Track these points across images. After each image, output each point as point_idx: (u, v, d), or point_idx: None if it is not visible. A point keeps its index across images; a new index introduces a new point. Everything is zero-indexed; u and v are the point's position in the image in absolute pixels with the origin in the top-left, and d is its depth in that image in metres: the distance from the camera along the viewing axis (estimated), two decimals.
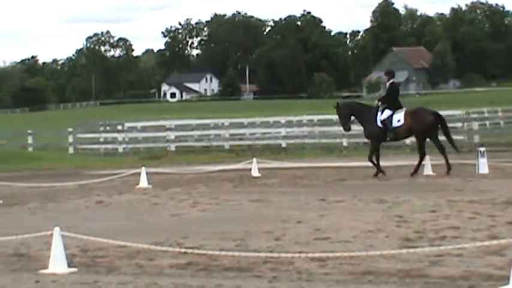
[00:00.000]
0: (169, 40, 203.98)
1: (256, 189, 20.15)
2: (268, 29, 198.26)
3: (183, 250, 10.81)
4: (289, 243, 11.84)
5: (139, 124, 51.27)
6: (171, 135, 42.56)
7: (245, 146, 40.16)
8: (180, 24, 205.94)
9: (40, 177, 26.54)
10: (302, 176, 22.94)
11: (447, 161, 22.05)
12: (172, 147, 40.79)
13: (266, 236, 12.54)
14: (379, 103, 22.39)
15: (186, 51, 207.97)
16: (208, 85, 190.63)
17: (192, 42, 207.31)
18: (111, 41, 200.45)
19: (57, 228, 10.29)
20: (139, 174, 22.06)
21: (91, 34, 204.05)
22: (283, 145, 39.16)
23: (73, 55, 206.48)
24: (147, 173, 22.05)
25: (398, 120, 22.00)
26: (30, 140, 43.16)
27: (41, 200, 19.08)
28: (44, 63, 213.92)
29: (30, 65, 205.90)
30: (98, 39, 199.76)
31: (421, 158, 22.20)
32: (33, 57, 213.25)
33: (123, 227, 14.06)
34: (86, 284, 9.46)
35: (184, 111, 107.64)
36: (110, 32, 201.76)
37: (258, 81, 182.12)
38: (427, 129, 22.18)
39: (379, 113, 22.11)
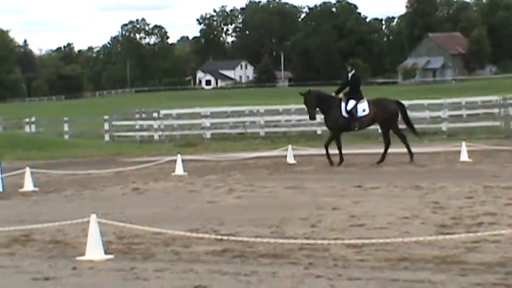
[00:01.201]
0: (205, 27, 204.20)
1: (292, 176, 20.14)
2: (303, 15, 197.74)
3: (218, 237, 10.83)
4: (325, 230, 11.82)
5: (174, 111, 51.40)
6: (207, 122, 42.63)
7: (280, 133, 40.13)
8: (215, 11, 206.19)
9: (76, 164, 26.72)
10: (337, 162, 22.87)
11: (409, 150, 22.36)
12: (208, 134, 40.86)
13: (301, 222, 12.53)
14: (337, 95, 22.52)
15: (221, 39, 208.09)
16: (243, 72, 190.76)
17: (227, 30, 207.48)
18: (147, 28, 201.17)
19: (93, 215, 10.34)
20: (174, 161, 22.13)
21: (126, 22, 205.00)
22: (319, 132, 39.04)
23: (108, 43, 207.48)
24: (182, 160, 22.12)
25: (364, 110, 22.28)
26: (66, 127, 43.47)
27: (77, 187, 19.20)
28: (79, 51, 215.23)
29: (66, 53, 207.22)
30: (133, 27, 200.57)
31: (387, 146, 22.42)
32: (68, 45, 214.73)
33: (159, 214, 14.12)
34: (122, 270, 9.51)
35: (219, 98, 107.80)
36: (145, 20, 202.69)
37: (292, 68, 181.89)
38: (392, 118, 22.62)
39: (343, 104, 22.25)
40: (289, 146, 24.74)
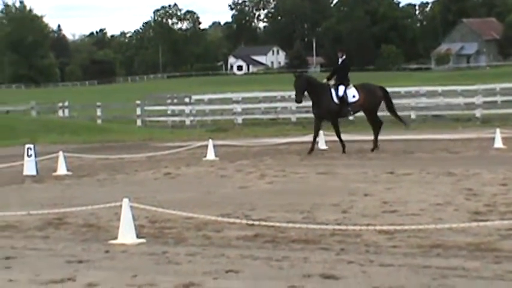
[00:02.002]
0: (237, 13, 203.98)
1: (323, 161, 20.09)
2: (335, 1, 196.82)
3: (250, 222, 10.83)
4: (357, 216, 11.78)
5: (206, 97, 51.45)
6: (238, 107, 42.63)
7: (312, 119, 39.89)
8: None
9: (109, 149, 26.84)
10: (370, 148, 22.78)
11: (376, 138, 22.21)
12: (239, 119, 40.87)
13: (333, 208, 12.50)
14: (329, 81, 22.20)
15: (253, 24, 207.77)
16: (275, 58, 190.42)
17: (259, 15, 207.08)
18: (179, 13, 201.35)
19: (126, 200, 10.38)
20: (206, 146, 22.16)
21: (158, 7, 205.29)
22: (351, 118, 38.90)
23: (140, 28, 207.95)
24: (214, 146, 22.15)
25: (354, 96, 22.03)
26: (99, 112, 43.71)
27: (109, 172, 19.29)
28: (112, 36, 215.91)
29: (98, 38, 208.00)
30: (166, 12, 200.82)
31: (378, 131, 22.37)
32: (101, 30, 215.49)
33: (191, 199, 14.15)
34: (154, 254, 9.54)
35: (251, 83, 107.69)
36: (178, 5, 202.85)
37: (324, 54, 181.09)
38: (378, 104, 22.62)
39: (332, 90, 21.96)
40: (321, 132, 24.64)
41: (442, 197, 13.27)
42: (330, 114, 22.13)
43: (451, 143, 23.93)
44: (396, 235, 10.04)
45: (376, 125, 22.48)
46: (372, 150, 21.99)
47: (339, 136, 22.19)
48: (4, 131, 33.29)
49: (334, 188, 14.99)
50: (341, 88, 21.97)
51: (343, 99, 21.92)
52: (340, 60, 22.61)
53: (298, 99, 22.58)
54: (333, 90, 21.99)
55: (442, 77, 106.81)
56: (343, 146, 22.04)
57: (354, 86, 22.25)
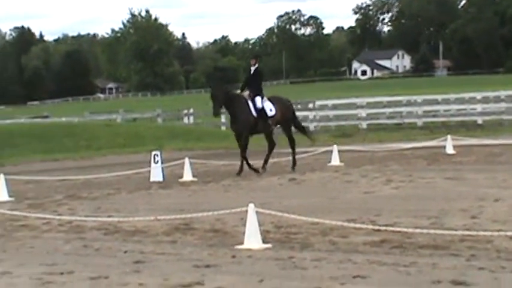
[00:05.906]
0: (360, 17, 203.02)
1: (451, 166, 19.72)
2: (463, 2, 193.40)
3: (376, 227, 10.70)
4: (487, 221, 11.49)
5: (330, 102, 51.33)
6: (362, 112, 42.37)
7: (439, 123, 39.38)
8: (371, 0, 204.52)
9: (233, 155, 27.01)
10: (500, 153, 22.24)
11: (294, 157, 21.01)
12: (364, 124, 40.60)
13: (462, 214, 12.23)
14: (242, 92, 20.48)
15: (377, 28, 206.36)
16: (400, 62, 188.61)
17: (383, 19, 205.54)
18: (302, 19, 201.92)
19: (251, 205, 10.40)
20: (330, 152, 22.08)
21: (282, 13, 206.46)
22: (479, 122, 38.17)
23: (264, 34, 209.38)
24: (338, 151, 22.05)
25: (271, 110, 20.31)
26: (223, 118, 44.13)
27: (234, 177, 19.43)
28: (235, 43, 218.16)
29: (222, 45, 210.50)
30: (289, 18, 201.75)
31: (293, 147, 21.07)
32: (224, 37, 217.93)
33: (316, 204, 14.09)
34: (280, 259, 9.52)
35: (375, 88, 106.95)
36: (301, 11, 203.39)
37: (451, 57, 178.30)
38: (293, 117, 21.17)
39: (249, 102, 20.19)
40: (448, 136, 24.24)
41: None
42: (245, 128, 20.15)
43: None
44: None
45: (292, 141, 21.07)
46: (293, 168, 20.68)
47: (243, 155, 20.09)
48: (132, 138, 34.05)
49: (463, 193, 14.68)
50: (258, 100, 20.22)
51: (262, 112, 20.34)
52: (252, 69, 20.64)
53: (216, 112, 20.54)
54: (250, 103, 20.19)
55: None
56: (241, 168, 20.13)
57: (269, 98, 20.66)
